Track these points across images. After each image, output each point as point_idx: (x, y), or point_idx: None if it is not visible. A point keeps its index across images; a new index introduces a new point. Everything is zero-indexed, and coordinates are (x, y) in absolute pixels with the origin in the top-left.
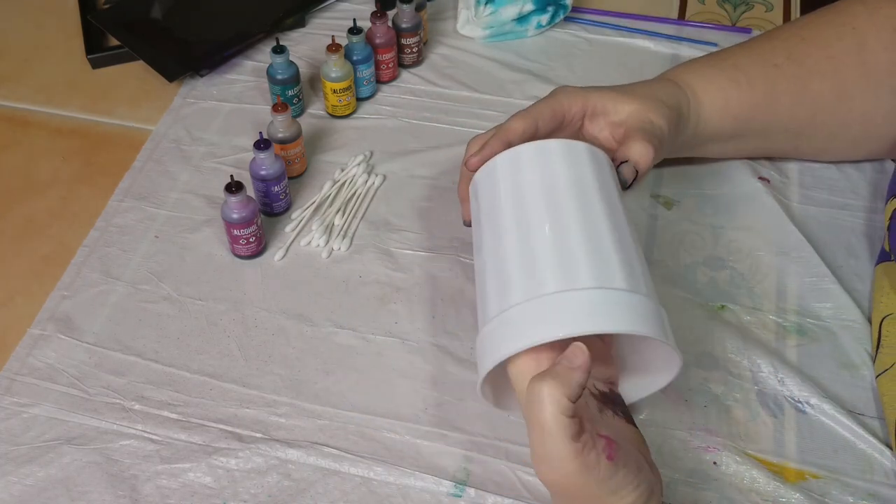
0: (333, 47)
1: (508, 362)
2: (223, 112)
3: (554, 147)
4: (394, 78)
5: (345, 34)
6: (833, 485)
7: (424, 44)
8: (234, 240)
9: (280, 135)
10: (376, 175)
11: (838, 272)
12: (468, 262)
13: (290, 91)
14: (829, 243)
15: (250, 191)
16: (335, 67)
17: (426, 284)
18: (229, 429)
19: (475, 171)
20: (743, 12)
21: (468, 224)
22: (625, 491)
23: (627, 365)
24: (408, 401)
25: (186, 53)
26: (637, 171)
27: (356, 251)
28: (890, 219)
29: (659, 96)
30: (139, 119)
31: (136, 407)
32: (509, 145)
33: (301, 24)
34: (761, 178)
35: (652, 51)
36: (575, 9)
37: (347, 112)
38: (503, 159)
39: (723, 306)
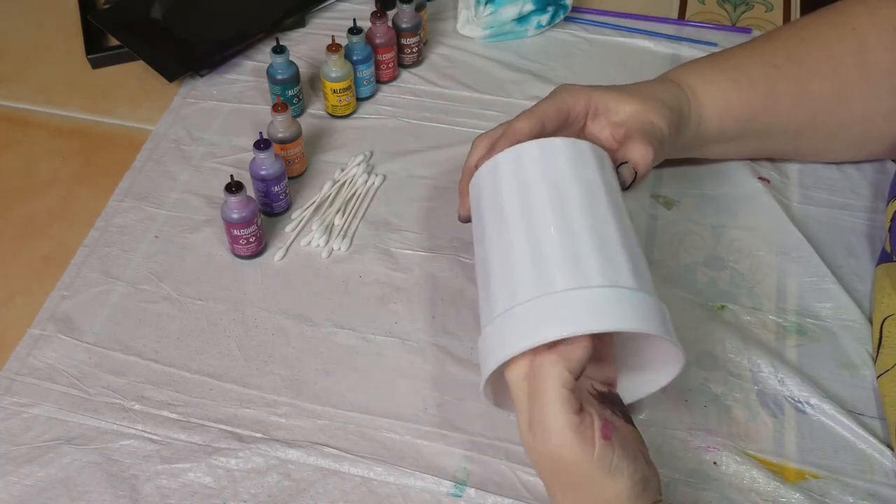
0: (333, 47)
1: (508, 361)
2: (223, 112)
3: (558, 145)
4: (394, 78)
5: (345, 34)
6: (833, 485)
7: (424, 44)
8: (234, 240)
9: (280, 135)
10: (376, 175)
11: (838, 272)
12: (468, 262)
13: (290, 91)
14: (829, 243)
15: (250, 191)
16: (335, 67)
17: (426, 284)
18: (229, 429)
19: None
20: (743, 12)
21: (463, 219)
22: (619, 476)
23: (626, 365)
24: (408, 401)
25: (186, 53)
26: (636, 173)
27: (356, 251)
28: (891, 220)
29: (660, 97)
30: (139, 119)
31: (136, 407)
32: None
33: (301, 24)
34: (761, 179)
35: (652, 51)
36: (575, 9)
37: (347, 112)
38: (506, 157)
39: (723, 306)
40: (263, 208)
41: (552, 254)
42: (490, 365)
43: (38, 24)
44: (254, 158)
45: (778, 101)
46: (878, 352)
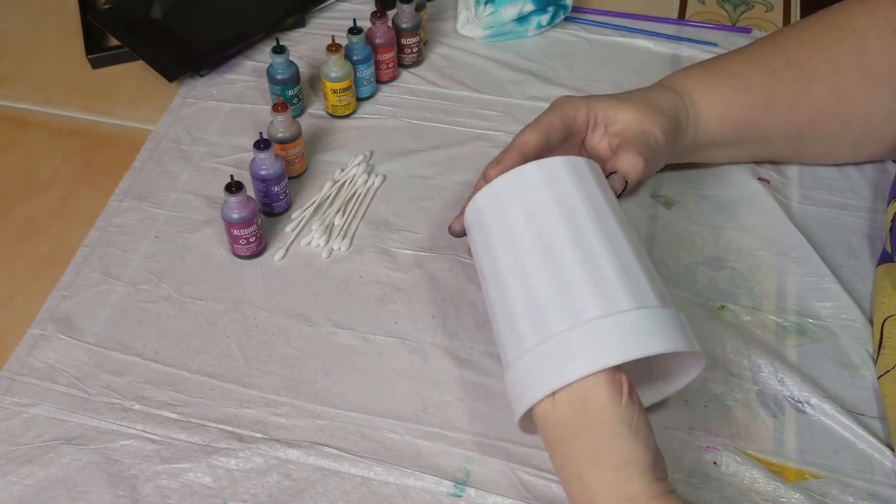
0: (333, 47)
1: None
2: (223, 112)
3: (558, 164)
4: (394, 78)
5: (345, 34)
6: (833, 485)
7: (424, 44)
8: (234, 240)
9: (280, 135)
10: (376, 175)
11: (838, 272)
12: (468, 262)
13: (290, 91)
14: (829, 243)
15: (250, 191)
16: (335, 67)
17: (426, 284)
18: (229, 429)
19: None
20: (743, 12)
21: (454, 233)
22: (638, 437)
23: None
24: (408, 401)
25: (186, 53)
26: (626, 183)
27: (356, 251)
28: (891, 221)
29: (657, 105)
30: (139, 119)
31: (136, 407)
32: (525, 158)
33: (301, 24)
34: (761, 179)
35: (652, 51)
36: (575, 9)
37: (347, 112)
38: (507, 181)
39: (723, 306)
40: (263, 208)
41: (578, 281)
42: (540, 392)
43: (38, 24)
44: (254, 158)
45: (777, 107)
46: (878, 353)
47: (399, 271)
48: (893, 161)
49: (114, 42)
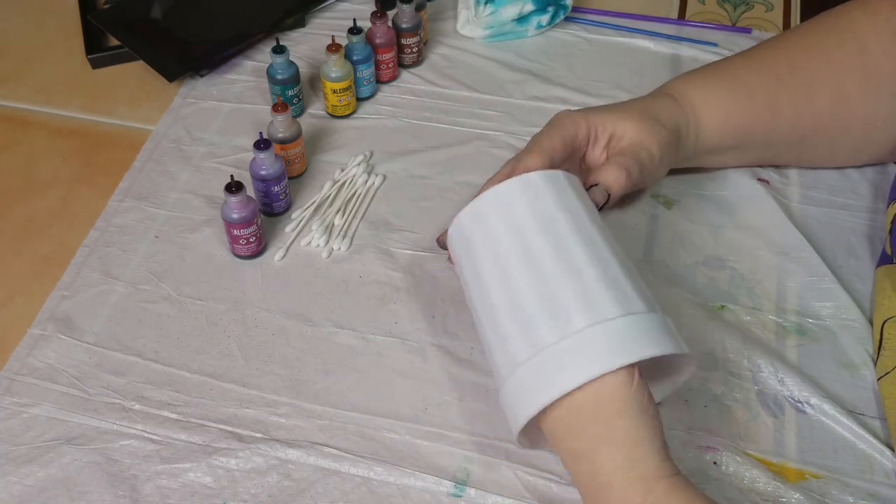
0: (333, 47)
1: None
2: (223, 112)
3: (536, 179)
4: (394, 78)
5: (345, 34)
6: (833, 485)
7: (424, 44)
8: (234, 240)
9: (280, 135)
10: (376, 175)
11: (838, 272)
12: None
13: (290, 91)
14: (829, 243)
15: (250, 191)
16: (335, 67)
17: (426, 284)
18: (229, 429)
19: None
20: (743, 12)
21: (442, 245)
22: (645, 418)
23: None
24: (408, 401)
25: (186, 53)
26: (609, 196)
27: (356, 251)
28: (891, 222)
29: (657, 116)
30: (139, 119)
31: (136, 407)
32: None
33: (301, 24)
34: (761, 180)
35: (652, 51)
36: (575, 9)
37: (347, 112)
38: (488, 200)
39: (723, 306)
40: (263, 208)
41: (563, 293)
42: (536, 405)
43: (38, 24)
44: (254, 158)
45: (779, 112)
46: (878, 354)
47: (399, 271)
48: (894, 163)
49: (114, 42)
